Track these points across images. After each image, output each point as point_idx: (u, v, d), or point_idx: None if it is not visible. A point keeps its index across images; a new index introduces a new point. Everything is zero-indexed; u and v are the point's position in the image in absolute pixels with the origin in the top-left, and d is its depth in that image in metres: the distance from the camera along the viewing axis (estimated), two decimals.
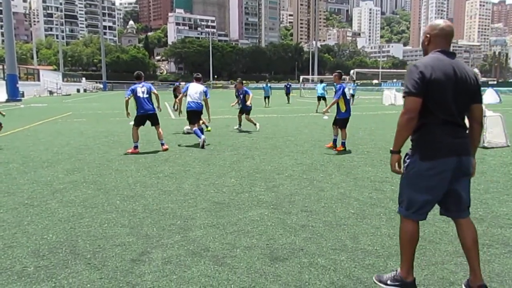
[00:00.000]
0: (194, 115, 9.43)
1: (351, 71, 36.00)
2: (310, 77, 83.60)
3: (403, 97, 2.50)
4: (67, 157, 7.93)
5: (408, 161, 2.63)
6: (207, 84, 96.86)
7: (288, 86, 30.80)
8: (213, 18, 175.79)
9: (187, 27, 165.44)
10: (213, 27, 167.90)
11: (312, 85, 63.00)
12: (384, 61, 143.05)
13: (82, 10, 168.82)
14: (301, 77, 49.59)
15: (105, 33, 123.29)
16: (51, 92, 51.65)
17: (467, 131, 2.64)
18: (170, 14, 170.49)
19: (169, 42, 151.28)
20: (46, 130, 12.79)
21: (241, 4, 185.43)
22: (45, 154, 8.31)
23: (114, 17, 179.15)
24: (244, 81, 24.84)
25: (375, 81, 74.72)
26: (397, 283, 2.78)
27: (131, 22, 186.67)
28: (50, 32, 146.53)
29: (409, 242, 2.72)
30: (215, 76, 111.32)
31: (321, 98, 20.67)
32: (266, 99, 24.76)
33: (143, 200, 5.00)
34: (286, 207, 4.68)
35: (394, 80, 79.01)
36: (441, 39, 2.60)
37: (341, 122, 8.61)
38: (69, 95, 52.86)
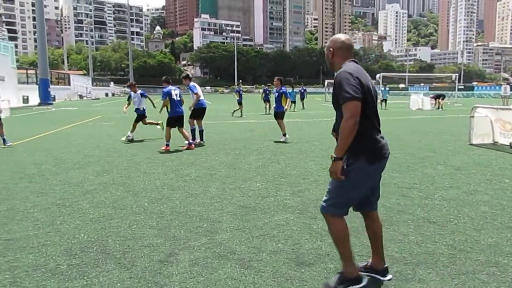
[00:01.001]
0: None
1: (377, 75, 35.47)
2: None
3: (343, 102, 2.57)
4: (96, 159, 8.14)
5: (352, 166, 2.69)
6: (232, 88, 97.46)
7: (303, 90, 30.21)
8: (238, 23, 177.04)
9: (212, 32, 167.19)
10: (238, 31, 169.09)
11: None
12: (411, 65, 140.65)
13: (110, 17, 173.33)
14: (326, 81, 49.25)
15: (132, 39, 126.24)
16: (81, 96, 53.12)
17: None
18: (195, 19, 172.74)
19: (195, 47, 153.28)
20: (77, 133, 13.17)
21: (265, 8, 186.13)
22: (76, 156, 8.56)
23: (142, 23, 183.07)
24: (268, 85, 24.83)
25: (401, 85, 73.50)
26: (348, 284, 2.82)
27: (158, 27, 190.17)
28: (80, 38, 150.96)
29: (346, 238, 2.83)
30: (240, 81, 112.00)
31: None
32: (292, 104, 24.51)
33: (170, 202, 5.09)
34: (312, 212, 4.67)
35: (422, 84, 77.58)
36: (344, 51, 2.83)
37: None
38: (98, 99, 54.23)
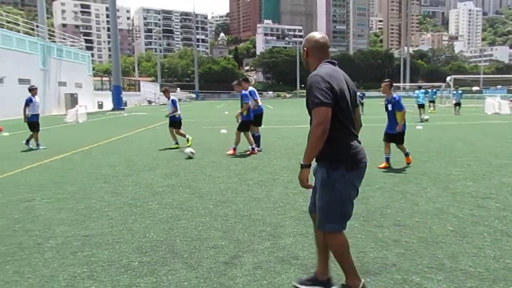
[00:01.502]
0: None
1: (448, 78, 33.64)
2: (401, 84, 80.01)
3: (312, 108, 2.44)
4: (165, 162, 8.52)
5: (333, 176, 2.55)
6: (294, 93, 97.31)
7: (361, 95, 28.40)
8: (300, 28, 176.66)
9: (274, 37, 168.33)
10: (300, 36, 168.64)
11: (403, 93, 60.18)
12: (485, 66, 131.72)
13: (178, 25, 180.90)
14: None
15: (198, 46, 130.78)
16: (149, 102, 55.85)
17: None
18: (258, 25, 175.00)
19: (257, 52, 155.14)
20: (147, 136, 13.87)
21: (328, 12, 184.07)
22: (146, 158, 9.01)
23: (207, 30, 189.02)
24: None
25: (475, 88, 69.09)
26: None
27: (221, 34, 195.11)
28: (149, 46, 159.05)
29: (347, 251, 2.76)
30: (302, 85, 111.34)
31: (423, 105, 21.74)
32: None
33: (234, 206, 5.19)
34: (377, 220, 4.53)
35: (499, 87, 72.24)
36: (319, 50, 2.70)
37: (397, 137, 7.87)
38: (165, 104, 56.62)
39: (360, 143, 2.65)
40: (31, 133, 10.87)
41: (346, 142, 2.55)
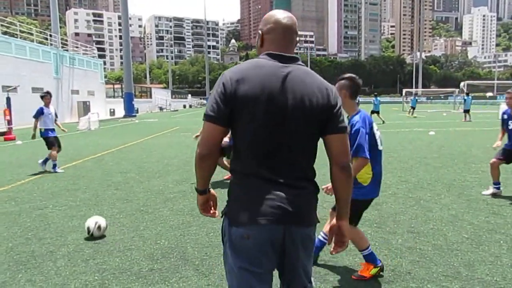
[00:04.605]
0: None
1: (461, 83, 33.30)
2: (413, 90, 79.44)
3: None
4: (175, 169, 8.54)
5: (222, 226, 1.78)
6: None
7: (376, 101, 26.64)
8: (311, 33, 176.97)
9: None
10: (311, 42, 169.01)
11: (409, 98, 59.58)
12: (500, 72, 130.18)
13: (189, 32, 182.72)
14: (404, 90, 47.29)
15: (209, 52, 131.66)
16: (161, 108, 56.25)
17: (308, 181, 1.72)
18: None
19: None
20: (157, 143, 13.94)
21: (340, 18, 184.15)
22: (157, 165, 9.05)
23: (218, 37, 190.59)
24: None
25: (489, 94, 68.21)
26: None
27: (233, 40, 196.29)
28: (161, 53, 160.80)
29: None
30: None
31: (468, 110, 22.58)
32: (376, 114, 22.42)
33: None
34: (391, 227, 4.46)
35: None
36: (275, 36, 1.73)
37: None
38: (177, 110, 57.05)
39: (278, 185, 1.63)
40: (50, 151, 8.46)
41: (241, 181, 1.69)
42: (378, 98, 23.85)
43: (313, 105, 1.64)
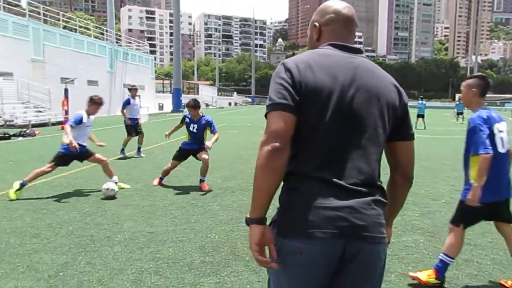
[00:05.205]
0: None
1: None
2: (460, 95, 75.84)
3: (265, 115, 1.46)
4: (224, 165, 8.67)
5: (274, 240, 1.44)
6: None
7: (421, 104, 23.29)
8: (360, 34, 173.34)
9: None
10: (360, 43, 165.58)
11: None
12: None
13: (237, 30, 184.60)
14: (457, 96, 45.39)
15: (256, 51, 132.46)
16: (207, 105, 57.23)
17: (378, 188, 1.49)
18: None
19: None
20: None
21: (390, 18, 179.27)
22: None
23: (265, 36, 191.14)
24: None
25: None
26: None
27: (279, 40, 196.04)
28: (209, 51, 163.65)
29: None
30: None
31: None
32: (421, 118, 21.19)
33: None
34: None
35: None
36: (336, 27, 1.57)
37: None
38: (222, 107, 57.88)
39: (349, 191, 1.39)
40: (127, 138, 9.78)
41: (297, 185, 1.42)
42: (424, 101, 22.51)
43: (388, 101, 1.49)
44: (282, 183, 1.46)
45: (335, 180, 1.39)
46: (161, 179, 6.75)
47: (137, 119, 10.08)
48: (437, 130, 20.32)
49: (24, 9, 24.02)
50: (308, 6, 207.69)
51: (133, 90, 10.09)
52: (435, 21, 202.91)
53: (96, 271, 3.34)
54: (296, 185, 1.42)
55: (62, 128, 18.09)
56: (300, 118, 1.40)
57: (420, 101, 22.43)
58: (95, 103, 6.34)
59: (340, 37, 1.56)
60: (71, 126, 5.97)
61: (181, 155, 6.74)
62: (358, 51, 1.54)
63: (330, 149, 1.41)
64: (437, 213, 5.18)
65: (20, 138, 13.99)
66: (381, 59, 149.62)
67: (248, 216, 1.42)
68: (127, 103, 9.91)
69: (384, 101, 1.48)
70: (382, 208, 1.45)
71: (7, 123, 18.62)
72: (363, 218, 1.37)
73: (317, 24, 1.60)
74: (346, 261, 1.38)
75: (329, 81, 1.41)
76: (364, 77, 1.46)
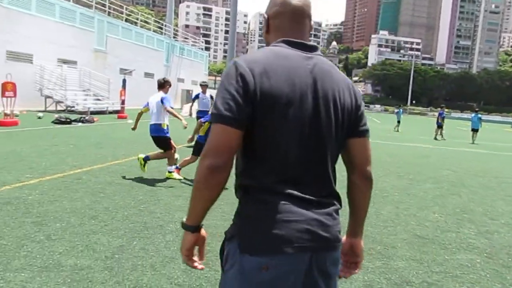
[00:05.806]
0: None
1: None
2: None
3: (210, 123, 1.38)
4: None
5: (227, 255, 1.37)
6: (404, 108, 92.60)
7: (442, 115, 21.25)
8: (419, 40, 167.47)
9: (389, 49, 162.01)
10: (417, 49, 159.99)
11: None
12: None
13: None
14: None
15: None
16: None
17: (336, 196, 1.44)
18: (373, 35, 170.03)
19: (369, 64, 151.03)
20: None
21: (453, 25, 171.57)
22: None
23: (319, 38, 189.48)
24: (446, 110, 21.10)
25: None
26: None
27: (334, 43, 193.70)
28: None
29: None
30: (413, 102, 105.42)
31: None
32: (474, 133, 20.37)
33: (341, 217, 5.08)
34: (504, 260, 4.07)
35: None
36: (283, 21, 1.44)
37: None
38: None
39: (315, 210, 1.33)
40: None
41: (258, 198, 1.34)
42: (479, 114, 21.09)
43: (344, 105, 1.39)
44: (242, 196, 1.41)
45: (298, 193, 1.33)
46: (178, 169, 6.98)
47: (206, 111, 10.29)
48: (497, 146, 19.25)
49: (90, 1, 25.34)
50: (366, 9, 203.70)
51: (203, 86, 10.99)
52: (502, 30, 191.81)
53: (149, 257, 3.46)
54: (258, 198, 1.33)
55: (118, 117, 18.92)
56: (255, 129, 1.30)
57: (473, 115, 21.27)
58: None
59: (289, 33, 1.43)
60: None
61: (200, 149, 6.82)
62: (313, 49, 1.43)
63: (290, 162, 1.33)
64: (495, 234, 4.92)
65: (80, 124, 14.78)
66: (439, 68, 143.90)
67: (184, 221, 1.38)
68: (196, 97, 10.95)
69: (340, 106, 1.39)
70: (338, 215, 1.42)
71: (68, 108, 19.75)
72: (328, 230, 1.34)
73: (265, 15, 1.50)
74: (312, 274, 1.32)
75: (287, 89, 1.30)
76: (321, 82, 1.36)
